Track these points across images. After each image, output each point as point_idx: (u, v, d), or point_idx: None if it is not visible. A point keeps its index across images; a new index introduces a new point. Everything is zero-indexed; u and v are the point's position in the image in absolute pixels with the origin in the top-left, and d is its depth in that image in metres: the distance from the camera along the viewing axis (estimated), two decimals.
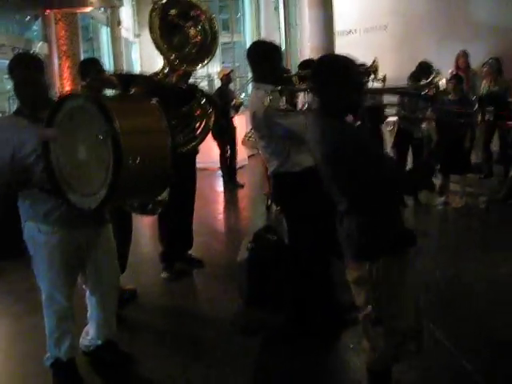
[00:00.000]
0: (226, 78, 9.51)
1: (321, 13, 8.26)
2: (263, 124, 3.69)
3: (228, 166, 9.74)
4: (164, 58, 3.95)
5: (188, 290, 5.05)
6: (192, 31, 3.99)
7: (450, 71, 8.13)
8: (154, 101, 2.81)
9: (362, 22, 9.68)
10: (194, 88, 4.45)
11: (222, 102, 8.83)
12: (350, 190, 2.48)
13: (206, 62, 4.14)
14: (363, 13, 9.64)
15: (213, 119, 4.34)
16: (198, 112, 4.21)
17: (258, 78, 3.86)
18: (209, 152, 9.70)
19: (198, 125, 4.21)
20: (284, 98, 3.80)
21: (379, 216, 2.47)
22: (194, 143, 4.15)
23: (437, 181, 7.98)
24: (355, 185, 2.42)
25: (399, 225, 2.55)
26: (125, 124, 2.48)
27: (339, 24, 9.30)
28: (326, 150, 2.46)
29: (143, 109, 2.86)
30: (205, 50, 4.07)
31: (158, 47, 3.84)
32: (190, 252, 5.46)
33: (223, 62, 23.54)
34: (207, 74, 23.62)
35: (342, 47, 8.98)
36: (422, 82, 2.93)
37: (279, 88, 3.48)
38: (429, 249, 5.91)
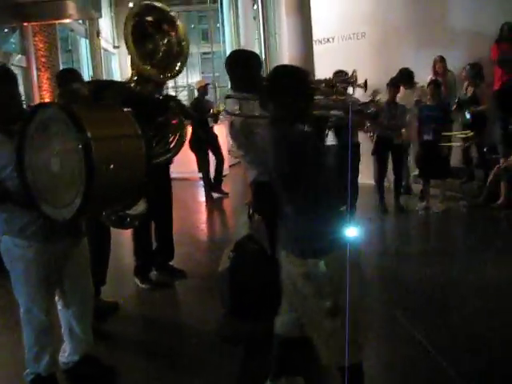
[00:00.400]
0: (203, 90, 9.51)
1: (298, 21, 8.28)
2: (240, 133, 3.69)
3: (215, 174, 9.72)
4: (134, 66, 3.96)
5: (170, 302, 5.01)
6: (163, 41, 4.03)
7: (429, 77, 8.19)
8: (126, 110, 2.79)
9: (340, 29, 9.72)
10: (170, 98, 4.44)
11: (199, 112, 8.86)
12: (298, 192, 2.60)
13: (175, 73, 4.16)
14: (341, 21, 9.68)
15: (187, 131, 4.34)
16: (174, 123, 4.21)
17: (237, 87, 3.85)
18: (189, 162, 9.68)
19: (172, 136, 4.21)
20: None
21: (324, 216, 2.61)
22: (168, 155, 4.14)
23: (417, 186, 8.06)
24: (303, 187, 2.57)
25: (342, 224, 2.67)
26: (96, 131, 2.46)
27: (317, 32, 9.32)
28: (280, 154, 2.59)
29: (115, 117, 2.83)
30: (174, 62, 4.08)
31: (130, 53, 3.88)
32: (171, 263, 5.43)
33: (203, 72, 23.66)
34: (187, 84, 23.72)
35: (320, 55, 9.02)
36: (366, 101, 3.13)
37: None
38: (411, 253, 5.98)
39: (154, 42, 4.02)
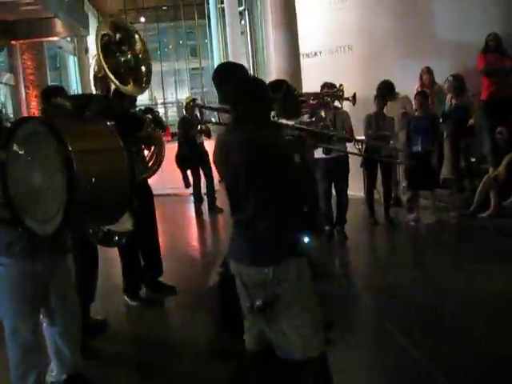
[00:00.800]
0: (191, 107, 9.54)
1: (285, 35, 8.32)
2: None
3: (207, 193, 9.61)
4: (101, 82, 4.05)
5: (160, 319, 4.97)
6: (129, 56, 4.21)
7: (415, 87, 8.23)
8: (109, 123, 2.77)
9: (327, 43, 9.76)
10: (146, 111, 4.50)
11: (184, 129, 8.88)
12: (260, 197, 2.60)
13: (145, 87, 4.32)
14: (328, 34, 9.72)
15: (164, 147, 4.44)
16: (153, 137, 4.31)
17: (222, 100, 3.83)
18: (180, 177, 9.65)
19: (150, 153, 4.27)
20: None
21: (284, 222, 2.62)
22: (148, 172, 4.17)
23: (405, 196, 8.07)
24: (266, 191, 2.57)
25: (299, 231, 2.70)
26: (78, 145, 2.43)
27: (305, 46, 9.36)
28: (246, 157, 2.58)
29: (97, 130, 2.80)
30: (142, 75, 4.27)
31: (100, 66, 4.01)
32: (160, 279, 5.37)
33: (192, 88, 23.74)
34: (177, 99, 23.80)
35: (307, 69, 9.05)
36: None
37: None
38: (402, 265, 5.96)
39: (123, 57, 4.20)
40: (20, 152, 2.62)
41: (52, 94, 3.96)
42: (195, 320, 4.64)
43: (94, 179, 2.40)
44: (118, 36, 4.16)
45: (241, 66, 4.09)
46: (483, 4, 8.46)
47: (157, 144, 4.77)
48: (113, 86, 4.19)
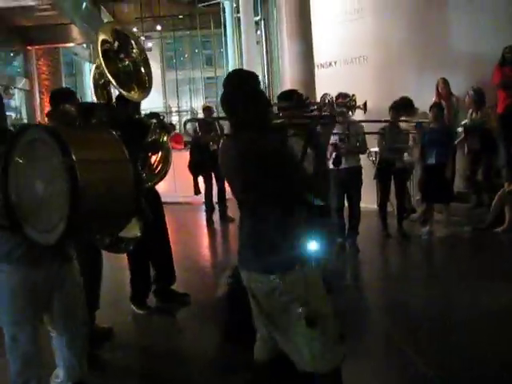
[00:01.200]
0: (207, 113, 9.52)
1: (300, 45, 8.28)
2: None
3: (218, 201, 9.56)
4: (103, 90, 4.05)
5: (167, 329, 4.89)
6: (125, 62, 4.20)
7: (433, 99, 8.15)
8: (114, 132, 2.72)
9: (342, 53, 9.72)
10: (151, 116, 4.49)
11: (195, 138, 8.87)
12: (265, 203, 2.55)
13: (147, 92, 4.29)
14: (343, 45, 9.69)
15: (171, 154, 4.43)
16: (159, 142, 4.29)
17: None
18: (193, 186, 9.63)
19: (157, 160, 4.24)
20: None
21: (288, 230, 2.57)
22: (155, 179, 4.13)
23: (420, 209, 7.97)
24: (271, 197, 2.53)
25: (305, 239, 2.66)
26: (81, 154, 2.40)
27: (319, 56, 9.33)
28: (246, 163, 2.53)
29: (102, 139, 2.76)
30: (141, 80, 4.24)
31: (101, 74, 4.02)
32: (172, 287, 5.31)
33: (207, 97, 23.79)
34: (191, 108, 23.85)
35: (322, 79, 8.99)
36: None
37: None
38: (414, 278, 5.91)
39: (122, 62, 4.17)
40: (22, 160, 2.58)
41: (61, 99, 3.94)
42: (204, 331, 4.58)
43: (97, 188, 2.37)
44: (116, 42, 4.12)
45: (252, 74, 4.05)
46: (499, 16, 8.38)
47: (163, 149, 4.73)
48: (115, 93, 4.17)
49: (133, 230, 3.44)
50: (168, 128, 4.87)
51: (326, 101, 3.21)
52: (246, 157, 2.54)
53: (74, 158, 2.34)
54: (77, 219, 2.37)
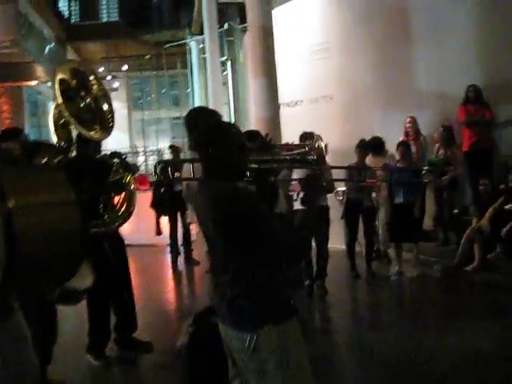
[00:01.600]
0: (175, 152, 9.40)
1: (264, 84, 8.22)
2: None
3: (183, 242, 9.36)
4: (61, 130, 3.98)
5: (127, 380, 4.62)
6: (85, 101, 4.09)
7: (400, 139, 8.12)
8: (60, 171, 2.53)
9: (308, 92, 9.73)
10: (112, 155, 4.35)
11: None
12: (239, 255, 2.41)
13: (110, 130, 4.19)
14: (309, 84, 9.70)
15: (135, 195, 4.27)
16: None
17: (192, 147, 3.64)
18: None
19: (121, 202, 4.07)
20: None
21: (266, 283, 2.42)
22: (118, 221, 3.94)
23: (389, 250, 7.88)
24: (245, 249, 2.38)
25: (282, 294, 2.50)
26: (21, 198, 2.22)
27: (285, 95, 9.31)
28: (218, 214, 2.39)
29: (46, 180, 2.57)
30: (103, 119, 4.14)
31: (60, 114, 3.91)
32: (134, 335, 5.02)
33: (174, 137, 23.69)
34: (157, 148, 23.68)
35: (288, 118, 8.94)
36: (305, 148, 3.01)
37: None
38: (385, 321, 5.82)
39: (82, 101, 4.07)
40: None
41: (6, 137, 3.75)
42: (164, 382, 4.37)
43: (38, 233, 2.16)
44: (74, 81, 4.03)
45: (214, 113, 3.92)
46: (464, 54, 8.47)
47: (127, 190, 4.57)
48: (75, 132, 4.03)
49: (84, 280, 3.22)
50: (131, 168, 4.74)
51: (317, 145, 3.04)
52: (213, 207, 2.41)
53: (10, 204, 2.15)
54: (15, 269, 2.18)
